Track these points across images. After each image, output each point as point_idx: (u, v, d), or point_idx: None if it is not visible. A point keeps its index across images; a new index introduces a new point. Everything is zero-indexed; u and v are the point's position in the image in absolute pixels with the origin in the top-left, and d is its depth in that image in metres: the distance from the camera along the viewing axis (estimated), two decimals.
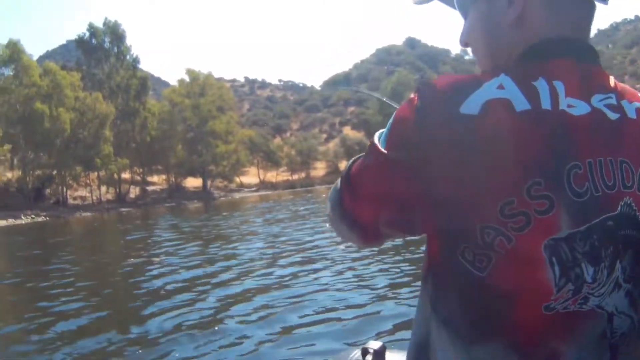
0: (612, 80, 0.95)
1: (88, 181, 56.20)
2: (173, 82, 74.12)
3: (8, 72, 50.59)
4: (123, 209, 49.36)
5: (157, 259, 12.57)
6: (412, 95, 0.89)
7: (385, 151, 0.88)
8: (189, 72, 73.79)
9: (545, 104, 0.84)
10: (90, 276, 11.12)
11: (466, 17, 1.06)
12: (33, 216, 41.76)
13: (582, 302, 0.84)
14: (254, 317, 6.44)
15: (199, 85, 70.60)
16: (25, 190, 49.44)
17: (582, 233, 0.82)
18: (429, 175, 0.84)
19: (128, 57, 66.70)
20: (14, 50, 50.39)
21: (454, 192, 0.82)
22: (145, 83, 67.10)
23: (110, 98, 59.85)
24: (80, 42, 64.41)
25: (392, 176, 0.88)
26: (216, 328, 6.06)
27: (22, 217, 40.88)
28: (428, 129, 0.84)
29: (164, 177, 66.51)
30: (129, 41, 70.03)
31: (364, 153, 0.98)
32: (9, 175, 50.76)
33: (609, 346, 0.87)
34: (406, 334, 4.81)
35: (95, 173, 55.32)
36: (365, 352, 1.45)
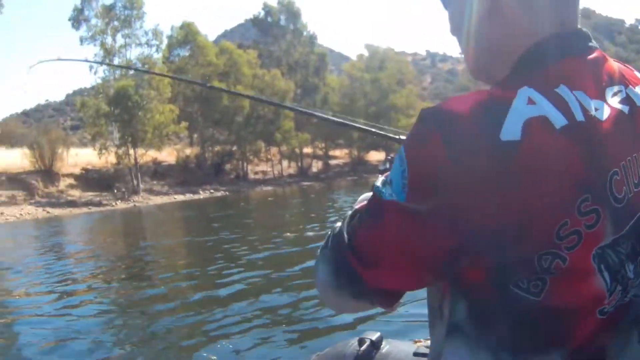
0: (613, 65, 0.92)
1: (269, 156, 55.47)
2: (355, 57, 71.71)
3: (184, 52, 50.75)
4: (304, 183, 48.15)
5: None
6: (424, 127, 0.79)
7: (407, 204, 0.79)
8: (368, 47, 70.80)
9: (578, 115, 0.80)
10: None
11: (447, 8, 1.01)
12: (212, 191, 41.31)
13: (624, 295, 0.85)
14: None
15: (378, 60, 67.53)
16: (204, 166, 49.33)
17: (624, 236, 0.82)
18: (474, 218, 0.75)
19: (305, 33, 65.16)
20: (189, 32, 50.33)
21: (507, 228, 0.75)
22: (324, 59, 65.13)
23: (289, 74, 58.55)
24: (255, 21, 63.78)
25: (426, 232, 0.78)
26: None
27: (200, 192, 40.56)
28: (467, 166, 0.74)
29: (346, 151, 64.32)
30: (306, 18, 69.25)
31: (362, 211, 0.89)
32: (188, 152, 50.78)
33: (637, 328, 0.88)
34: (403, 324, 4.95)
35: (277, 148, 54.44)
36: (362, 341, 1.46)
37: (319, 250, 1.00)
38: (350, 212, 0.98)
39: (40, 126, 49.41)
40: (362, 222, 0.87)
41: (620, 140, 0.83)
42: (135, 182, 39.48)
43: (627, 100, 0.88)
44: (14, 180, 36.33)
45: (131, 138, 40.30)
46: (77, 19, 41.30)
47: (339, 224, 0.97)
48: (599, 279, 0.80)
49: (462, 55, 1.02)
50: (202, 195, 39.64)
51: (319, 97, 60.69)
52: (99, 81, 42.19)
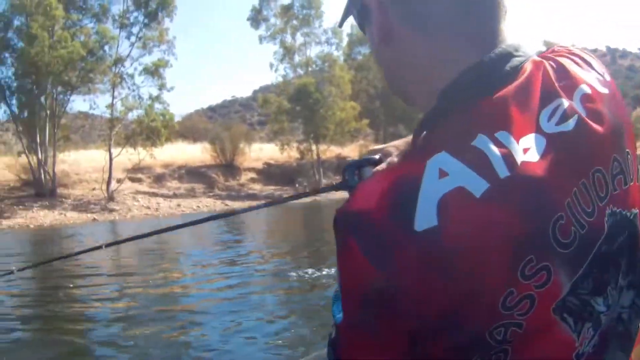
0: (548, 75, 0.82)
1: None
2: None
3: (365, 50, 49.66)
4: None
5: None
6: (339, 233, 0.74)
7: (352, 321, 0.76)
8: (546, 44, 66.60)
9: (502, 170, 0.71)
10: None
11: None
12: None
13: (597, 329, 0.80)
14: None
15: None
16: None
17: (583, 275, 0.76)
18: (414, 317, 0.71)
19: None
20: None
21: (447, 315, 0.70)
22: None
23: None
24: None
25: (373, 344, 0.75)
26: None
27: None
28: (391, 270, 0.69)
29: None
30: None
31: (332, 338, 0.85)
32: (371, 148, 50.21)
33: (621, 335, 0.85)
34: None
35: None
36: None
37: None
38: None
39: (223, 122, 51.15)
40: (334, 348, 0.82)
41: (564, 173, 0.74)
42: (317, 176, 39.57)
43: (569, 113, 0.79)
44: (194, 173, 37.23)
45: (313, 134, 40.37)
46: (256, 18, 42.08)
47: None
48: (563, 328, 0.75)
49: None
50: None
51: None
52: (280, 79, 42.85)
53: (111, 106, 33.08)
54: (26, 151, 30.68)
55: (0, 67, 31.15)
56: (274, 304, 7.39)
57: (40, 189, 30.02)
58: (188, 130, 49.85)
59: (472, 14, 0.81)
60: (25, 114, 31.32)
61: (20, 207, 27.78)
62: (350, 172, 1.29)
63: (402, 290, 0.68)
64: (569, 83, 0.82)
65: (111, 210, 28.51)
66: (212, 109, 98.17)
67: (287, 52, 42.18)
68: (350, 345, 0.78)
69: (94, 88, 32.90)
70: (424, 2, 0.82)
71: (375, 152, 1.32)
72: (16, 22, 30.81)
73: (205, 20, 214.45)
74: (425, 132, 0.79)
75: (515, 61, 0.80)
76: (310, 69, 43.03)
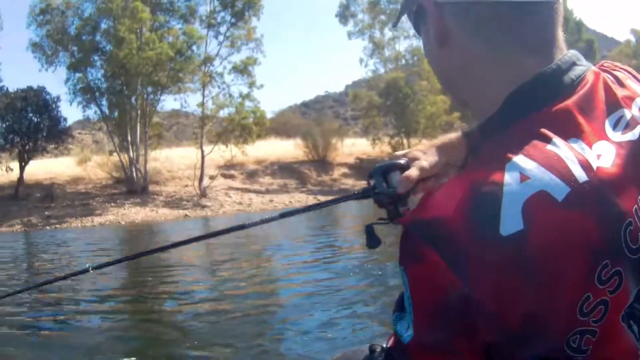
0: (609, 86, 0.84)
1: None
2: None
3: None
4: None
5: None
6: (413, 244, 0.74)
7: (425, 338, 0.74)
8: (634, 32, 63.23)
9: (580, 175, 0.72)
10: None
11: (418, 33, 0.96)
12: None
13: None
14: None
15: None
16: None
17: None
18: (496, 328, 0.70)
19: (571, 20, 60.15)
20: None
21: (531, 322, 0.69)
22: (592, 46, 59.34)
23: None
24: None
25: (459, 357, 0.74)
26: None
27: None
28: (475, 277, 0.69)
29: None
30: (571, 4, 64.20)
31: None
32: None
33: None
34: None
35: None
36: (373, 348, 1.35)
37: None
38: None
39: (317, 117, 51.46)
40: None
41: (632, 180, 0.75)
42: None
43: (632, 122, 0.81)
44: (287, 169, 37.65)
45: (404, 129, 40.06)
46: (344, 14, 42.04)
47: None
48: (628, 335, 0.74)
49: None
50: None
51: None
52: (370, 74, 42.76)
53: (202, 104, 33.77)
54: (117, 150, 31.73)
55: (90, 69, 32.25)
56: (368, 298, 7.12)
57: (132, 186, 30.89)
58: (281, 126, 50.52)
59: (529, 19, 0.82)
60: (116, 113, 32.31)
61: (112, 204, 28.64)
62: (378, 177, 1.21)
63: (486, 298, 0.68)
64: (628, 94, 0.85)
65: (203, 207, 29.02)
66: (305, 104, 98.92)
67: (376, 47, 42.04)
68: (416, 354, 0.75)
69: (184, 87, 33.65)
70: (480, 5, 0.82)
71: (399, 157, 1.28)
72: (103, 26, 31.91)
73: (293, 17, 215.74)
74: (492, 137, 0.80)
75: (578, 70, 0.82)
76: (399, 63, 42.64)
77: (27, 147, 31.33)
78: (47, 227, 24.08)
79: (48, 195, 29.66)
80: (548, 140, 0.74)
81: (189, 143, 38.60)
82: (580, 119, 0.77)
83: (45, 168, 32.99)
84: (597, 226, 0.69)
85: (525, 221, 0.67)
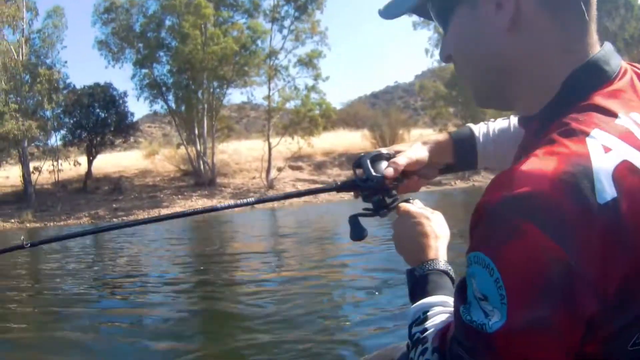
0: (634, 73, 0.91)
1: None
2: None
3: None
4: None
5: None
6: (506, 223, 0.73)
7: (520, 320, 0.72)
8: None
9: None
10: None
11: (445, 28, 0.98)
12: None
13: None
14: None
15: None
16: None
17: None
18: (596, 298, 0.71)
19: (636, 7, 57.71)
20: None
21: (624, 294, 0.72)
22: None
23: (626, 51, 52.19)
24: None
25: (547, 341, 0.72)
26: None
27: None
28: (580, 245, 0.70)
29: None
30: None
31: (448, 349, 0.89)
32: None
33: None
34: None
35: None
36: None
37: None
38: (415, 338, 1.01)
39: (386, 108, 51.23)
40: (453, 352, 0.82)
41: None
42: None
43: None
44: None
45: (471, 119, 39.04)
46: None
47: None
48: None
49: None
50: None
51: None
52: (436, 64, 41.92)
53: (268, 97, 34.09)
54: (185, 143, 32.53)
55: (156, 65, 33.15)
56: None
57: (200, 178, 31.50)
58: (350, 117, 50.49)
59: (592, 3, 0.85)
60: (183, 108, 33.03)
61: (179, 196, 29.27)
62: (366, 164, 1.28)
63: (588, 267, 0.69)
64: None
65: None
66: (374, 95, 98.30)
67: (441, 37, 41.11)
68: (512, 350, 0.74)
69: (250, 81, 34.12)
70: None
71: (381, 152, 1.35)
72: (168, 22, 32.73)
73: (356, 9, 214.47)
74: (559, 117, 0.82)
75: (618, 60, 0.88)
76: None
77: (95, 142, 32.47)
78: (115, 219, 24.54)
79: (116, 188, 30.68)
80: (614, 115, 0.79)
81: (257, 135, 39.06)
82: (634, 97, 0.84)
83: (113, 162, 34.26)
84: None
85: (617, 188, 0.71)
